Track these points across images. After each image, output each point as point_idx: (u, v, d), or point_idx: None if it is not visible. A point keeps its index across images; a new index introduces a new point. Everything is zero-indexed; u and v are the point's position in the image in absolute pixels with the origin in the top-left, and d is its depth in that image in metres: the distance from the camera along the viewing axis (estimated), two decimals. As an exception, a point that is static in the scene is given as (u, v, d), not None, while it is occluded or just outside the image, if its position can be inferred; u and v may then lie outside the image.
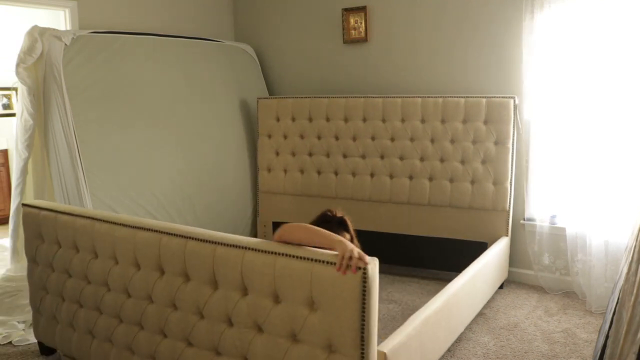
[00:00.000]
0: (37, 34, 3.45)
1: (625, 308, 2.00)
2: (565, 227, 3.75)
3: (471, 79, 4.10)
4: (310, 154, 4.48)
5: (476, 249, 3.83)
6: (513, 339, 3.22)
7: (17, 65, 3.44)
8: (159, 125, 4.09)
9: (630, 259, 2.19)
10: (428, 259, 4.11)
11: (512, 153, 3.78)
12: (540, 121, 3.81)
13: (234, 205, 4.68)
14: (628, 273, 2.13)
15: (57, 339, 2.86)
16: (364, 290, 1.80)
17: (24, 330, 3.35)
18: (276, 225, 4.67)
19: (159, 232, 2.32)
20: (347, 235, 2.27)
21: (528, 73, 3.77)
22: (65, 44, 3.53)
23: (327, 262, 1.86)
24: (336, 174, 4.38)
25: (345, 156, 4.33)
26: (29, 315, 3.43)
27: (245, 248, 2.06)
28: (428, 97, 3.99)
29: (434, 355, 2.71)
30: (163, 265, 2.32)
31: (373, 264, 1.82)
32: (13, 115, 5.71)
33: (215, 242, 2.15)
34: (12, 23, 5.34)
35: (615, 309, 2.15)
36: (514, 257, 4.03)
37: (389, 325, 3.28)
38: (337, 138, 4.34)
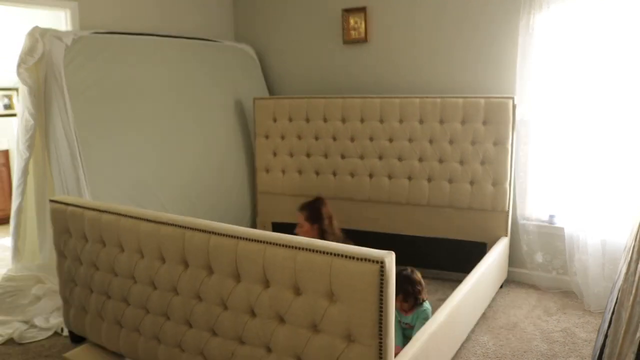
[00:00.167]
0: (38, 35, 3.46)
1: (624, 307, 2.00)
2: (564, 226, 3.76)
3: (470, 79, 4.11)
4: (308, 155, 4.48)
5: (476, 249, 3.85)
6: (512, 338, 3.23)
7: (18, 65, 3.45)
8: (160, 125, 4.10)
9: (629, 258, 2.20)
10: (428, 259, 4.12)
11: (511, 153, 3.79)
12: (539, 121, 3.82)
13: (234, 205, 4.69)
14: (627, 273, 2.14)
15: (86, 328, 2.96)
16: (381, 283, 1.87)
17: (26, 329, 3.36)
18: (275, 225, 4.69)
19: (183, 227, 2.39)
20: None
21: (527, 73, 3.78)
22: (66, 45, 3.54)
23: (346, 256, 1.93)
24: (334, 174, 4.39)
25: (343, 157, 4.33)
26: (29, 315, 3.44)
27: (267, 242, 2.13)
28: (426, 97, 4.00)
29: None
30: (187, 259, 2.39)
31: (390, 258, 1.89)
32: (14, 115, 5.72)
33: (238, 237, 2.21)
34: (13, 24, 5.35)
35: (614, 308, 2.16)
36: (513, 257, 4.04)
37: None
38: (334, 139, 4.35)
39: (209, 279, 2.32)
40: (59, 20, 3.99)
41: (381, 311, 1.89)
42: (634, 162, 3.45)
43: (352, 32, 4.57)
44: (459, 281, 3.16)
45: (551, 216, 3.93)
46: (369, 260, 1.88)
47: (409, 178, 4.09)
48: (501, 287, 3.91)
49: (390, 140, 4.13)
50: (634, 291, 1.96)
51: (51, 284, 3.66)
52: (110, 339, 2.82)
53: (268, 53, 5.12)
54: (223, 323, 2.30)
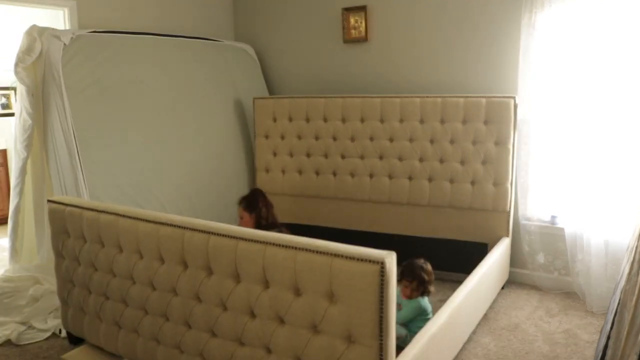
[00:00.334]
0: (36, 34, 3.44)
1: (626, 308, 1.99)
2: (565, 227, 3.74)
3: (471, 78, 4.10)
4: (308, 155, 4.46)
5: (477, 249, 3.82)
6: (514, 339, 3.21)
7: (16, 64, 3.44)
8: (159, 125, 4.09)
9: (632, 259, 2.18)
10: (428, 259, 4.08)
11: (513, 153, 3.77)
12: (541, 121, 3.80)
13: (234, 205, 4.66)
14: (630, 273, 2.13)
15: (85, 329, 2.95)
16: (382, 283, 1.86)
17: (24, 330, 3.34)
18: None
19: (182, 227, 2.37)
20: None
21: (528, 73, 3.76)
22: (65, 44, 3.52)
23: (347, 257, 1.92)
24: (335, 174, 4.37)
25: (343, 157, 4.32)
26: (27, 316, 3.42)
27: (267, 243, 2.12)
28: (427, 96, 3.98)
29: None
30: (186, 260, 2.38)
31: (390, 258, 1.87)
32: (12, 115, 5.68)
33: (237, 237, 2.20)
34: (11, 22, 5.33)
35: (616, 309, 2.14)
36: (515, 258, 4.02)
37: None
38: (335, 139, 4.33)
39: (209, 279, 2.31)
40: (57, 19, 3.98)
41: (382, 312, 1.88)
42: (636, 162, 3.42)
43: (353, 32, 4.55)
44: (459, 282, 3.14)
45: (553, 216, 3.91)
46: (370, 261, 1.87)
47: (410, 178, 4.07)
48: (502, 287, 3.89)
49: (391, 140, 4.11)
50: (636, 292, 1.94)
51: (49, 284, 3.64)
52: (108, 340, 2.80)
53: (268, 53, 5.11)
54: (223, 324, 2.29)
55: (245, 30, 5.21)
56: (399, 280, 2.88)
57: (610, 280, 3.45)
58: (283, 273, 2.07)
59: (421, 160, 4.02)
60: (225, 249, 2.22)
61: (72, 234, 2.88)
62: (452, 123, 3.89)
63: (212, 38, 4.77)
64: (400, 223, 4.16)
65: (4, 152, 6.11)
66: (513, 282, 4.04)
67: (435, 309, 2.85)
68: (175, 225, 2.40)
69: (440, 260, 4.00)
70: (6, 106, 6.06)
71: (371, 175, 4.22)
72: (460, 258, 3.91)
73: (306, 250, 2.02)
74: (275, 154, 4.59)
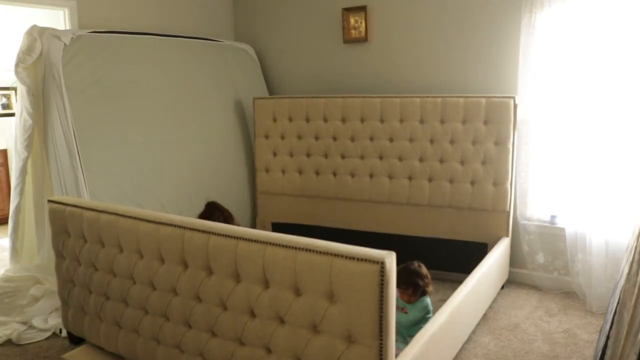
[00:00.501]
0: (37, 34, 3.45)
1: (626, 308, 1.99)
2: (565, 227, 3.75)
3: (471, 78, 4.10)
4: (308, 155, 4.47)
5: (477, 249, 3.83)
6: (514, 339, 3.22)
7: (17, 65, 3.44)
8: (159, 125, 4.09)
9: (631, 259, 2.19)
10: (428, 259, 4.06)
11: (512, 153, 3.77)
12: (540, 121, 3.81)
13: (234, 205, 4.65)
14: (629, 273, 2.13)
15: (85, 329, 2.95)
16: (382, 283, 1.86)
17: (24, 330, 3.35)
18: (275, 225, 4.68)
19: (182, 227, 2.38)
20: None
21: (528, 72, 3.77)
22: (65, 44, 3.53)
23: (347, 257, 1.93)
24: (335, 174, 4.37)
25: (343, 157, 4.32)
26: (27, 316, 3.43)
27: (267, 243, 2.12)
28: (427, 97, 3.98)
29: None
30: (187, 260, 2.38)
31: (390, 258, 1.88)
32: (12, 115, 5.69)
33: (237, 237, 2.20)
34: (12, 23, 5.33)
35: (616, 309, 2.15)
36: (515, 258, 4.03)
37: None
38: (335, 139, 4.33)
39: (209, 279, 2.31)
40: (58, 19, 3.98)
41: (382, 312, 1.89)
42: (636, 162, 3.43)
43: (353, 32, 4.55)
44: (459, 282, 3.15)
45: (552, 216, 3.91)
46: (370, 261, 1.87)
47: (410, 178, 4.08)
48: (502, 287, 3.90)
49: (391, 140, 4.12)
50: (636, 291, 1.94)
51: (50, 284, 3.65)
52: (109, 339, 2.81)
53: (268, 53, 5.11)
54: (223, 324, 2.30)
55: (245, 30, 5.22)
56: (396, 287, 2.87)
57: (610, 280, 3.46)
58: (283, 273, 2.07)
59: (421, 160, 4.03)
60: (225, 249, 2.22)
61: (73, 234, 2.88)
62: (452, 123, 3.90)
63: (212, 38, 4.77)
64: (400, 223, 4.16)
65: (5, 152, 6.12)
66: (513, 282, 4.05)
67: (435, 309, 2.85)
68: (175, 225, 2.40)
69: (440, 260, 4.02)
70: (7, 106, 6.07)
71: (371, 175, 4.22)
72: (460, 258, 3.92)
73: (306, 250, 2.02)
74: (275, 154, 4.60)
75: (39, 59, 3.47)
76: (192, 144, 4.33)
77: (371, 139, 4.19)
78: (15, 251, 3.89)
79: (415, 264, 2.99)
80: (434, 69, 4.25)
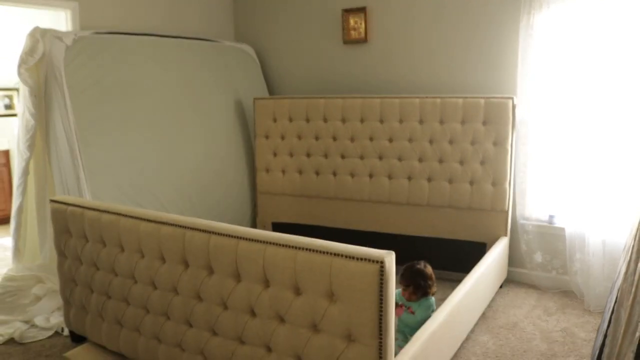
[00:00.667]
0: (39, 35, 3.46)
1: (623, 307, 2.01)
2: (564, 226, 3.77)
3: (470, 79, 4.12)
4: (308, 155, 4.49)
5: (475, 249, 3.85)
6: (512, 338, 3.24)
7: (19, 66, 3.45)
8: (160, 125, 4.11)
9: (628, 258, 2.21)
10: (427, 259, 4.07)
11: (511, 154, 3.79)
12: (539, 121, 3.83)
13: (234, 205, 4.69)
14: (626, 272, 2.15)
15: (87, 328, 2.97)
16: (382, 283, 1.88)
17: (26, 329, 3.37)
18: (275, 225, 4.70)
19: (183, 227, 2.39)
20: None
21: (526, 73, 3.79)
22: (67, 45, 3.54)
23: (346, 256, 1.94)
24: (334, 174, 4.39)
25: (343, 157, 4.34)
26: (30, 315, 3.44)
27: (267, 242, 2.14)
28: (426, 97, 4.00)
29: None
30: (187, 259, 2.40)
31: (390, 257, 1.89)
32: (15, 115, 5.73)
33: (238, 237, 2.22)
34: (14, 24, 5.35)
35: (613, 308, 2.16)
36: (513, 257, 4.05)
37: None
38: (334, 139, 4.35)
39: (209, 278, 2.33)
40: (60, 20, 3.99)
41: (381, 311, 1.90)
42: (634, 162, 3.45)
43: (352, 32, 4.57)
44: (458, 281, 3.17)
45: (551, 216, 3.93)
46: (369, 260, 1.89)
47: (409, 178, 4.10)
48: (501, 287, 3.92)
49: (390, 140, 4.13)
50: (633, 290, 1.96)
51: (52, 283, 3.67)
52: (110, 338, 2.83)
53: (268, 53, 5.13)
54: (223, 323, 2.31)
55: (245, 30, 5.23)
56: (399, 283, 2.88)
57: (608, 279, 3.48)
58: (283, 272, 2.09)
59: (420, 160, 4.04)
60: (226, 248, 2.24)
61: (74, 234, 2.90)
62: (451, 123, 3.92)
63: (213, 39, 4.79)
64: (400, 223, 4.18)
65: (7, 152, 6.13)
66: (511, 281, 4.07)
67: (435, 308, 2.87)
68: (176, 225, 2.42)
69: (439, 259, 4.03)
70: (9, 107, 6.08)
71: (371, 175, 4.24)
72: (459, 257, 3.94)
73: (306, 250, 2.04)
74: (275, 154, 4.61)
75: (41, 60, 3.49)
76: (192, 144, 4.34)
77: (371, 139, 4.21)
78: (17, 250, 3.90)
79: (422, 264, 2.99)
80: (433, 69, 4.27)
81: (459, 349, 3.08)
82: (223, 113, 4.66)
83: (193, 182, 4.31)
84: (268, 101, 4.62)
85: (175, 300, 2.47)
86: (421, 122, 4.02)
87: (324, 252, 2.00)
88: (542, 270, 3.96)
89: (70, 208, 2.89)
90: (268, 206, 4.72)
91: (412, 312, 2.90)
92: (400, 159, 4.11)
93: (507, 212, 3.82)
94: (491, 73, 4.03)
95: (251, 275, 2.19)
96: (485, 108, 3.80)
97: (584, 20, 3.48)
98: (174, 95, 4.25)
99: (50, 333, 3.34)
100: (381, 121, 4.15)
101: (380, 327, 1.92)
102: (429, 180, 4.03)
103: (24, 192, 3.76)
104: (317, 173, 4.46)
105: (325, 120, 4.37)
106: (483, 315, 3.51)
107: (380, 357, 1.93)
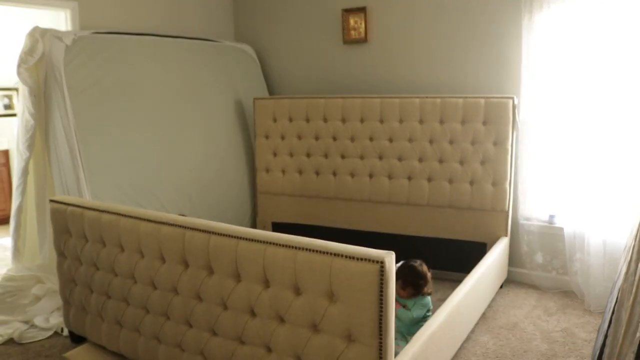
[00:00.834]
0: (38, 35, 3.46)
1: (624, 307, 2.00)
2: (564, 226, 3.77)
3: (470, 79, 4.12)
4: (308, 155, 4.48)
5: (476, 249, 3.85)
6: (512, 338, 3.23)
7: (19, 65, 3.45)
8: (160, 125, 4.10)
9: (629, 258, 2.20)
10: (427, 259, 4.07)
11: (511, 154, 3.79)
12: (539, 121, 3.82)
13: (234, 205, 4.69)
14: (627, 272, 2.14)
15: (87, 328, 2.96)
16: (382, 283, 1.87)
17: (26, 329, 3.36)
18: (275, 225, 4.69)
19: (183, 227, 2.39)
20: None
21: (527, 73, 3.78)
22: (66, 45, 3.54)
23: (346, 256, 1.94)
24: (335, 174, 4.39)
25: (343, 157, 4.33)
26: (29, 315, 3.44)
27: (267, 242, 2.14)
28: (426, 97, 4.00)
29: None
30: (187, 259, 2.40)
31: (390, 257, 1.89)
32: (14, 115, 5.72)
33: (238, 237, 2.22)
34: (13, 24, 5.34)
35: (614, 308, 2.16)
36: (513, 257, 4.05)
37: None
38: (334, 139, 4.35)
39: (209, 278, 2.33)
40: (59, 20, 3.99)
41: (381, 311, 1.90)
42: (634, 162, 3.44)
43: (352, 32, 4.57)
44: (458, 281, 3.17)
45: (551, 216, 3.93)
46: (369, 260, 1.89)
47: (409, 178, 4.09)
48: (501, 287, 3.91)
49: (390, 140, 4.13)
50: (634, 291, 1.96)
51: (51, 284, 3.67)
52: (110, 338, 2.82)
53: (268, 53, 5.12)
54: (223, 323, 2.31)
55: (245, 30, 5.23)
56: None
57: (608, 280, 3.47)
58: (283, 273, 2.09)
59: (420, 160, 4.04)
60: (226, 248, 2.24)
61: (74, 234, 2.90)
62: (451, 123, 3.91)
63: (213, 39, 4.79)
64: (400, 223, 4.18)
65: (6, 152, 6.13)
66: (512, 281, 4.06)
67: (435, 308, 2.87)
68: (176, 225, 2.42)
69: (439, 259, 4.03)
70: (8, 107, 6.08)
71: (371, 176, 4.24)
72: (459, 257, 3.94)
73: (306, 250, 2.03)
74: (275, 154, 4.61)
75: (40, 59, 3.48)
76: (192, 144, 4.34)
77: (371, 139, 4.21)
78: (17, 251, 3.90)
79: (417, 262, 3.00)
80: (434, 69, 4.27)
81: (459, 349, 3.08)
82: (223, 113, 4.66)
83: (193, 182, 4.31)
84: (268, 101, 4.61)
85: (175, 300, 2.47)
86: (421, 122, 4.02)
87: (324, 252, 1.99)
88: (542, 270, 3.96)
89: (69, 208, 2.89)
90: (268, 206, 4.72)
91: (407, 308, 2.90)
92: (400, 159, 4.10)
93: (507, 212, 3.81)
94: (491, 73, 4.02)
95: (251, 276, 2.19)
96: (486, 108, 3.80)
97: (585, 20, 3.48)
98: (173, 95, 4.24)
99: (50, 333, 3.34)
100: (381, 121, 4.15)
101: (380, 327, 1.91)
102: (429, 180, 4.02)
103: (23, 192, 3.76)
104: (317, 173, 4.46)
105: (325, 120, 4.37)
106: (483, 316, 3.50)
107: (381, 357, 1.93)
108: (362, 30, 4.51)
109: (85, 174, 3.52)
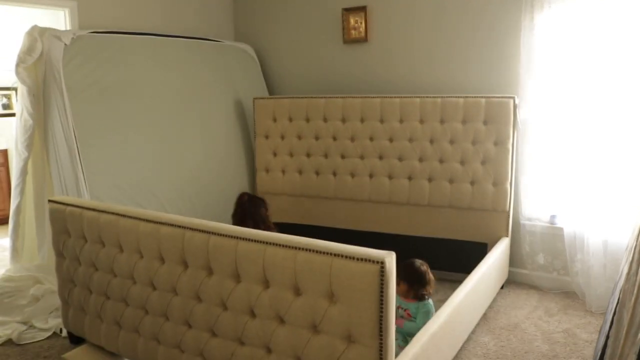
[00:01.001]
0: (37, 34, 3.45)
1: (625, 308, 2.00)
2: (565, 227, 3.75)
3: (471, 78, 4.10)
4: (308, 155, 4.47)
5: (476, 249, 3.83)
6: (513, 339, 3.22)
7: (17, 65, 3.44)
8: (159, 125, 4.09)
9: (630, 258, 2.19)
10: (428, 259, 4.08)
11: (512, 153, 3.77)
12: (540, 121, 3.81)
13: (234, 205, 4.67)
14: (629, 273, 2.13)
15: (85, 329, 2.95)
16: (382, 283, 1.86)
17: (24, 330, 3.35)
18: (275, 225, 4.67)
19: (183, 227, 2.38)
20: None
21: (527, 73, 3.77)
22: (65, 44, 3.53)
23: (347, 256, 1.93)
24: (335, 174, 4.38)
25: (343, 157, 4.32)
26: (28, 316, 3.43)
27: (267, 243, 2.12)
28: (426, 97, 3.99)
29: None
30: (187, 259, 2.38)
31: (390, 258, 1.88)
32: (13, 115, 5.69)
33: (238, 237, 2.21)
34: (12, 23, 5.33)
35: (615, 309, 2.15)
36: (514, 258, 4.03)
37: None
38: (335, 139, 4.34)
39: (209, 279, 2.32)
40: (58, 19, 3.98)
41: (381, 311, 1.89)
42: (636, 162, 3.43)
43: (353, 32, 4.56)
44: (459, 282, 3.15)
45: (552, 216, 3.91)
46: (370, 261, 1.88)
47: (410, 178, 4.08)
48: (502, 287, 3.90)
49: (391, 140, 4.12)
50: (635, 291, 1.95)
51: (50, 284, 3.65)
52: (109, 339, 2.81)
53: (268, 53, 5.12)
54: (223, 323, 2.30)
55: (245, 30, 5.22)
56: None
57: (609, 280, 3.46)
58: (283, 273, 2.08)
59: (421, 160, 4.03)
60: (226, 248, 2.23)
61: (73, 234, 2.89)
62: (452, 123, 3.90)
63: (212, 38, 4.78)
64: (400, 223, 4.17)
65: (5, 152, 6.12)
66: (512, 281, 4.05)
67: (435, 309, 2.86)
68: (175, 225, 2.41)
69: (440, 260, 4.02)
70: (7, 106, 6.07)
71: (371, 175, 4.23)
72: (459, 258, 3.92)
73: (306, 250, 2.02)
74: (275, 154, 4.60)
75: (39, 59, 3.47)
76: (192, 144, 4.33)
77: (371, 139, 4.19)
78: (15, 251, 3.89)
79: (417, 262, 2.98)
80: (434, 69, 4.26)
81: (460, 349, 3.07)
82: (223, 113, 4.65)
83: (193, 182, 4.30)
84: (268, 101, 4.60)
85: (175, 300, 2.45)
86: (421, 121, 4.01)
87: (324, 253, 1.98)
88: (543, 270, 3.95)
89: (68, 208, 2.88)
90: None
91: (410, 316, 2.88)
92: (400, 159, 4.09)
93: (508, 212, 3.80)
94: (492, 73, 4.01)
95: (251, 276, 2.18)
96: (486, 108, 3.78)
97: (586, 20, 3.47)
98: (173, 95, 4.23)
99: (49, 334, 3.32)
100: (381, 121, 4.14)
101: (381, 327, 1.90)
102: (430, 180, 4.01)
103: (22, 192, 3.75)
104: (317, 173, 4.45)
105: (325, 120, 4.35)
106: (484, 316, 3.49)
107: (381, 358, 1.92)
108: (363, 29, 4.50)
109: (84, 173, 3.51)
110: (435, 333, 2.53)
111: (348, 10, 4.54)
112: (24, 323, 3.39)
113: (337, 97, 4.32)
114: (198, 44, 4.57)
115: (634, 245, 2.24)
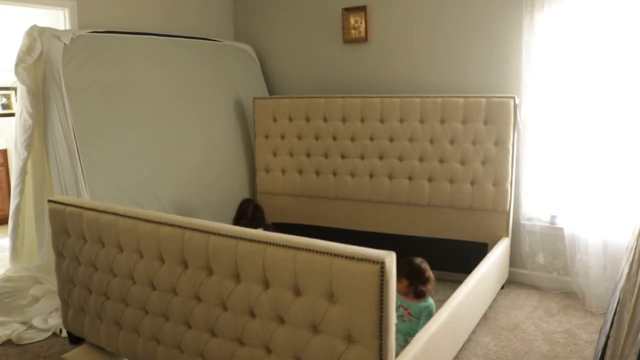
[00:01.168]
0: (37, 34, 3.45)
1: (626, 308, 1.99)
2: (565, 227, 3.75)
3: (471, 78, 4.10)
4: (308, 155, 4.47)
5: (477, 249, 3.83)
6: (513, 339, 3.22)
7: (17, 65, 3.44)
8: (159, 125, 4.09)
9: (631, 259, 2.19)
10: (428, 259, 4.08)
11: (512, 153, 3.77)
12: (540, 121, 3.81)
13: (234, 205, 4.66)
14: (629, 273, 2.13)
15: (85, 329, 2.94)
16: (382, 283, 1.86)
17: (24, 330, 3.35)
18: (275, 225, 4.67)
19: (182, 227, 2.37)
20: None
21: (528, 73, 3.77)
22: (65, 44, 3.53)
23: (347, 257, 1.92)
24: (335, 174, 4.37)
25: (343, 157, 4.32)
26: (27, 316, 3.43)
27: (267, 243, 2.12)
28: (427, 97, 3.98)
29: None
30: (187, 260, 2.38)
31: (390, 258, 1.87)
32: (12, 115, 5.69)
33: (238, 237, 2.20)
34: (12, 23, 5.33)
35: (616, 309, 2.15)
36: (514, 258, 4.03)
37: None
38: (335, 138, 4.33)
39: (209, 279, 2.31)
40: (58, 19, 3.98)
41: (382, 312, 1.89)
42: (636, 162, 3.43)
43: (353, 32, 4.55)
44: (459, 282, 3.15)
45: (552, 216, 3.91)
46: (370, 261, 1.87)
47: (410, 178, 4.08)
48: (502, 287, 3.90)
49: (391, 140, 4.12)
50: (636, 291, 1.95)
51: (49, 284, 3.65)
52: (109, 339, 2.81)
53: (268, 53, 5.11)
54: (223, 324, 2.30)
55: (245, 30, 5.22)
56: None
57: (610, 280, 3.46)
58: (283, 273, 2.07)
59: (421, 160, 4.03)
60: (225, 249, 2.22)
61: (73, 234, 2.88)
62: (452, 123, 3.90)
63: (212, 38, 4.77)
64: (400, 223, 4.16)
65: (5, 152, 6.12)
66: (513, 282, 4.05)
67: (436, 309, 2.85)
68: (175, 225, 2.40)
69: (440, 260, 4.00)
70: (7, 106, 6.07)
71: (371, 175, 4.22)
72: (460, 258, 3.92)
73: (306, 250, 2.02)
74: (275, 154, 4.60)
75: (39, 59, 3.47)
76: (192, 144, 4.33)
77: (371, 139, 4.19)
78: (15, 251, 3.89)
79: (418, 260, 2.98)
80: (434, 69, 4.25)
81: (460, 350, 3.06)
82: (223, 113, 4.65)
83: (192, 182, 4.30)
84: (268, 101, 4.60)
85: (175, 301, 2.45)
86: (422, 121, 4.00)
87: (324, 253, 1.98)
88: (543, 271, 3.94)
89: (68, 208, 2.87)
90: (268, 206, 4.69)
91: (410, 315, 2.87)
92: (400, 159, 4.09)
93: (508, 212, 3.80)
94: (492, 72, 4.01)
95: (251, 276, 2.17)
96: (486, 108, 3.78)
97: (586, 20, 3.47)
98: (173, 95, 4.23)
99: (48, 334, 3.32)
100: (381, 121, 4.14)
101: (381, 327, 1.90)
102: (430, 180, 4.01)
103: (21, 192, 3.75)
104: (317, 173, 4.44)
105: (325, 120, 4.35)
106: (484, 316, 3.49)
107: (381, 358, 1.92)
108: (363, 29, 4.50)
109: (84, 173, 3.51)
110: (435, 333, 2.52)
111: (348, 10, 4.53)
112: (24, 323, 3.38)
113: (337, 97, 4.32)
114: (198, 44, 4.57)
115: (635, 245, 2.24)
